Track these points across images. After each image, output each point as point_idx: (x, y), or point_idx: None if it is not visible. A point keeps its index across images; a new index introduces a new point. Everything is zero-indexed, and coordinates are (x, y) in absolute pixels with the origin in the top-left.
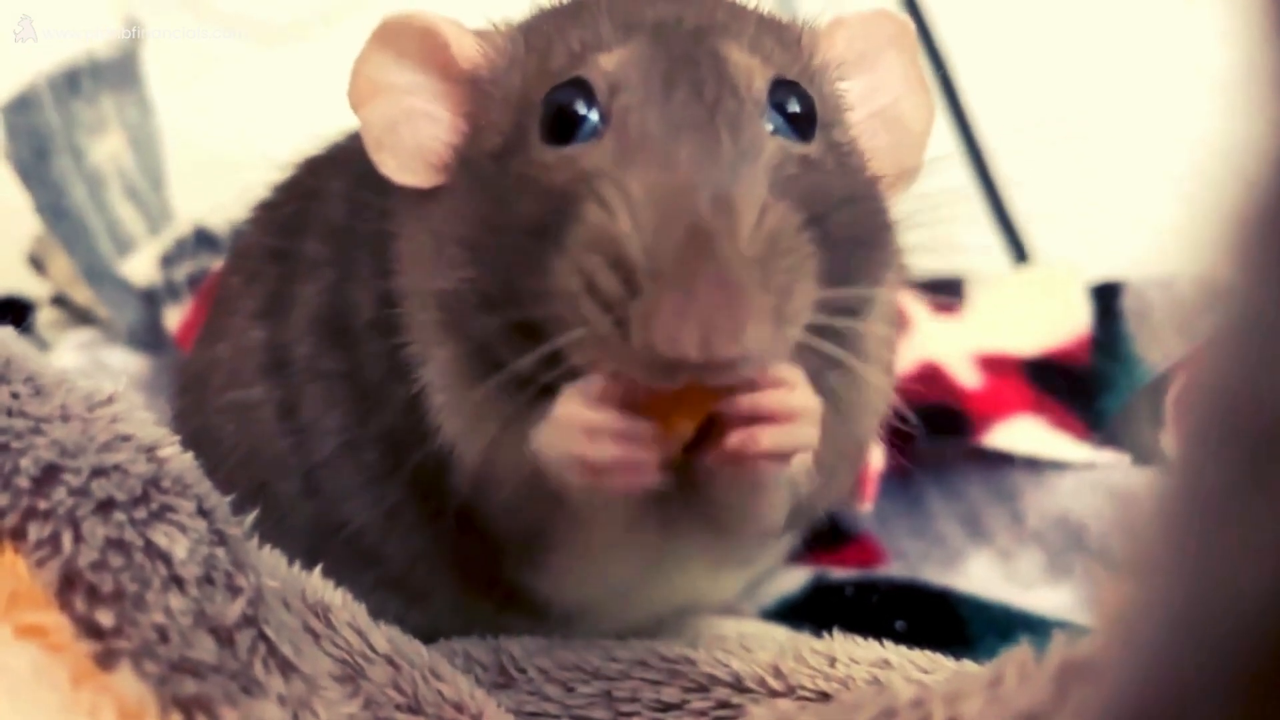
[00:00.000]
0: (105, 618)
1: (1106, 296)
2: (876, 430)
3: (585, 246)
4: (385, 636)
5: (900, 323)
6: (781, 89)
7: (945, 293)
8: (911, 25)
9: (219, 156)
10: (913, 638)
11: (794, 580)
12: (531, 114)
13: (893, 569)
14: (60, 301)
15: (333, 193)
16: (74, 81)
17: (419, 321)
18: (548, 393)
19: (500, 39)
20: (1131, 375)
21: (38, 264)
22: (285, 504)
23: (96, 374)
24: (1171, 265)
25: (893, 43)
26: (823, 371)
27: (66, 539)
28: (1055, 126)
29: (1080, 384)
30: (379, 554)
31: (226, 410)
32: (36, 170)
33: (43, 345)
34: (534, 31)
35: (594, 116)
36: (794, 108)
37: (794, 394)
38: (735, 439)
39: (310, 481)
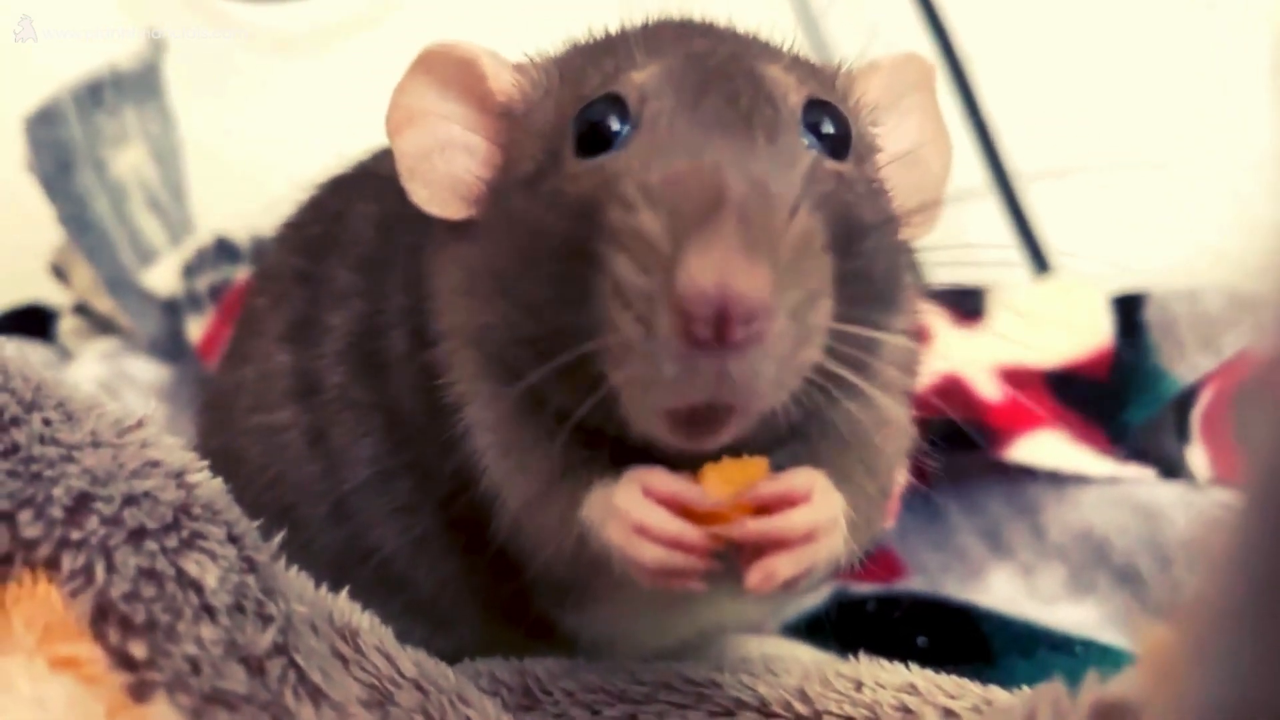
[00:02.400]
0: (138, 649)
1: (1129, 308)
2: (902, 461)
3: (610, 247)
4: (412, 660)
5: (922, 336)
6: (817, 108)
7: (966, 303)
8: (933, 66)
9: (238, 166)
10: (935, 653)
11: (816, 594)
12: (564, 137)
13: (913, 583)
14: (82, 310)
15: (360, 217)
16: (96, 94)
17: (461, 361)
18: (596, 443)
19: (535, 71)
20: (1155, 389)
21: (60, 273)
22: (313, 528)
23: (119, 384)
24: (1196, 277)
25: (917, 84)
26: (840, 411)
27: (99, 569)
28: (1075, 136)
29: (1102, 396)
30: (406, 581)
31: (253, 432)
32: (60, 182)
33: (65, 354)
34: (567, 63)
35: (626, 130)
36: (828, 128)
37: (812, 509)
38: (754, 577)
39: (339, 507)
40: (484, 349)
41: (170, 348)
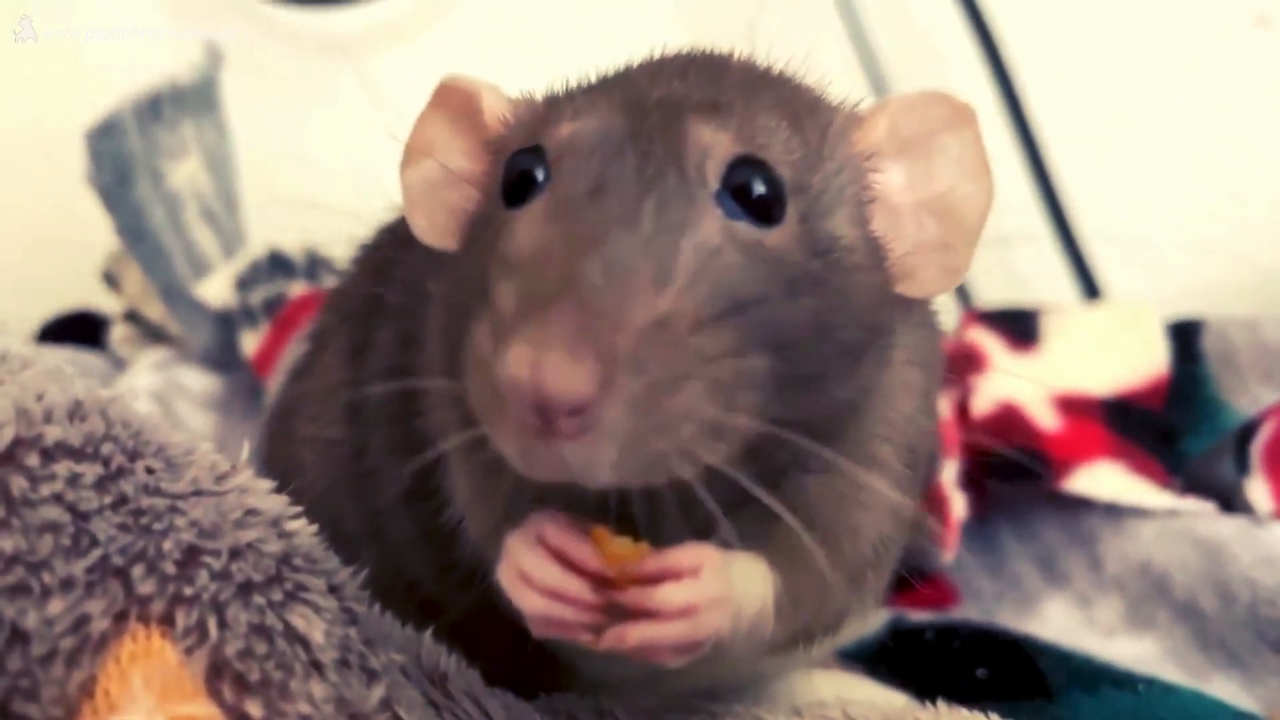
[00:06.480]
0: (254, 709)
1: (1185, 336)
2: (896, 527)
3: (480, 312)
4: (500, 705)
5: (975, 365)
6: (745, 168)
7: (1021, 328)
8: (971, 106)
9: (289, 174)
10: (994, 686)
11: (871, 621)
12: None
13: (967, 610)
14: (132, 317)
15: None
16: (156, 107)
17: (434, 388)
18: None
19: (526, 106)
20: (1214, 420)
21: (111, 280)
22: (355, 544)
23: (172, 394)
24: (1252, 302)
25: (949, 125)
26: (794, 488)
27: (212, 625)
28: (1127, 156)
29: (1159, 426)
30: (437, 604)
31: (309, 443)
32: (118, 194)
33: (117, 362)
34: (554, 101)
35: (543, 183)
36: (759, 189)
37: (693, 586)
38: (608, 636)
39: (374, 525)
40: (443, 380)
41: (222, 359)
